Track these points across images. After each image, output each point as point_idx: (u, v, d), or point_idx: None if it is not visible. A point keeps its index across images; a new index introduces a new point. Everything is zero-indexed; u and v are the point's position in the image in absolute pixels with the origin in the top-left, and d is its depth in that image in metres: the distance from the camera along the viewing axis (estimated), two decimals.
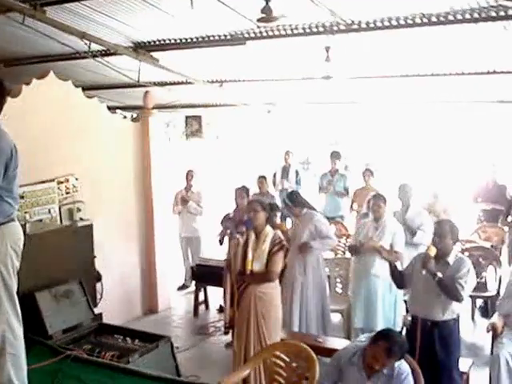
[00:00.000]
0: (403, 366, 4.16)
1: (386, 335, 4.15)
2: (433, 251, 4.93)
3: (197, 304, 8.79)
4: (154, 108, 8.94)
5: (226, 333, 7.53)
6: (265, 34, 6.89)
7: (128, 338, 5.43)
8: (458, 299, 4.85)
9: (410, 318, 6.67)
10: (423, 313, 5.03)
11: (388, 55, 7.68)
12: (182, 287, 10.04)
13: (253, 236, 5.43)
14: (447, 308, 4.91)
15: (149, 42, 7.43)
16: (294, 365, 4.61)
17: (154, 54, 7.70)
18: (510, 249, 8.56)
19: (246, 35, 6.96)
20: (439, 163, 13.41)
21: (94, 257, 6.47)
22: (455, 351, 5.03)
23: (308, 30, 6.63)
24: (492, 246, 8.80)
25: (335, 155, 10.93)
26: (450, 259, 4.98)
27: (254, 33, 6.89)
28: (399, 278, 5.38)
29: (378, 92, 10.39)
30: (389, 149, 14.73)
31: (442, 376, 4.93)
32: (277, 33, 6.80)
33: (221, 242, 7.87)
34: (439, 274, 4.83)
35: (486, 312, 7.89)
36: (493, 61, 7.75)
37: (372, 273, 6.53)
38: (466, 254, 7.16)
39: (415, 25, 6.13)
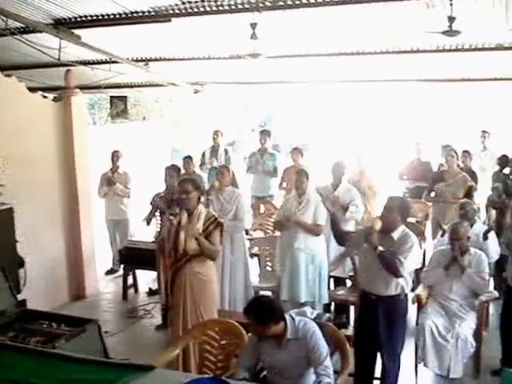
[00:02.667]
0: (306, 326, 4.19)
1: (246, 309, 4.18)
2: (378, 224, 4.90)
3: (126, 287, 8.64)
4: (76, 88, 8.65)
5: (163, 315, 7.41)
6: (190, 11, 6.78)
7: (54, 324, 5.25)
8: (396, 275, 4.81)
9: (339, 293, 6.86)
10: (368, 286, 5.06)
11: (316, 33, 7.69)
12: (111, 271, 9.85)
13: (185, 216, 5.34)
14: (390, 283, 4.90)
15: (70, 19, 7.19)
16: (223, 342, 4.60)
17: (76, 32, 7.47)
18: (433, 223, 8.77)
19: (171, 12, 6.83)
20: (367, 141, 13.64)
21: (16, 241, 6.24)
22: (399, 326, 5.03)
23: (234, 7, 6.56)
24: (417, 222, 9.00)
25: (265, 133, 10.90)
26: (395, 235, 4.94)
27: (179, 9, 6.77)
28: (339, 233, 5.36)
29: (308, 71, 10.41)
30: (321, 128, 14.88)
31: (383, 349, 5.01)
32: (202, 9, 6.70)
33: (148, 223, 7.73)
34: (380, 248, 4.79)
35: (412, 285, 8.04)
36: (416, 39, 7.87)
37: (295, 246, 6.61)
38: None
39: (341, 2, 6.15)
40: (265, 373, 4.39)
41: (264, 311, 4.09)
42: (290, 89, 12.32)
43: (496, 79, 10.23)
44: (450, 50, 8.25)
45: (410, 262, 4.85)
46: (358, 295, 5.39)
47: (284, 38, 7.82)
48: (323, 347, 4.11)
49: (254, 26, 6.71)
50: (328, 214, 6.33)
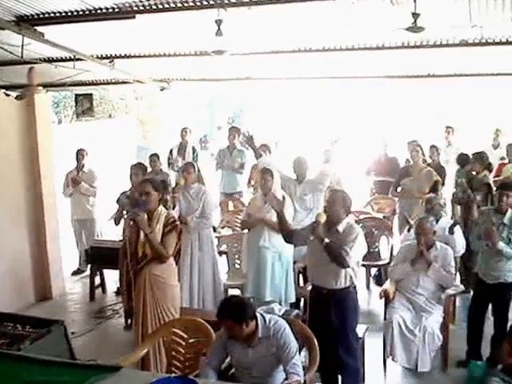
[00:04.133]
0: (277, 324, 4.18)
1: (219, 313, 4.13)
2: (323, 217, 4.99)
3: (93, 288, 8.53)
4: (40, 86, 8.51)
5: (126, 317, 7.35)
6: (154, 8, 6.71)
7: (18, 325, 5.15)
8: (343, 265, 4.89)
9: (309, 288, 6.86)
10: (318, 280, 5.12)
11: (282, 30, 7.67)
12: (77, 272, 9.71)
13: (145, 217, 5.26)
14: (339, 275, 4.97)
15: (33, 16, 7.04)
16: (191, 341, 4.58)
17: (39, 29, 7.32)
18: (400, 219, 8.84)
19: (135, 8, 6.75)
20: (335, 137, 13.68)
21: None
22: (351, 319, 5.10)
23: (199, 4, 6.51)
24: (384, 217, 9.08)
25: (234, 130, 10.88)
26: (341, 227, 5.04)
27: (144, 6, 6.69)
28: (286, 231, 5.35)
29: (276, 68, 10.40)
30: (290, 124, 14.92)
31: (338, 343, 5.02)
32: (166, 6, 6.64)
33: (116, 222, 7.66)
34: (326, 240, 4.87)
35: (380, 280, 8.12)
36: (382, 36, 7.92)
37: (261, 244, 6.61)
38: (360, 225, 7.32)
39: None
40: (233, 370, 4.38)
41: (239, 311, 4.07)
42: (259, 85, 12.30)
43: (461, 75, 10.35)
44: (414, 47, 8.30)
45: (355, 252, 4.96)
46: (309, 290, 5.42)
47: (249, 34, 7.79)
48: (293, 345, 4.11)
49: (219, 22, 6.68)
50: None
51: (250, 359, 4.16)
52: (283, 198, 5.81)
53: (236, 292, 7.42)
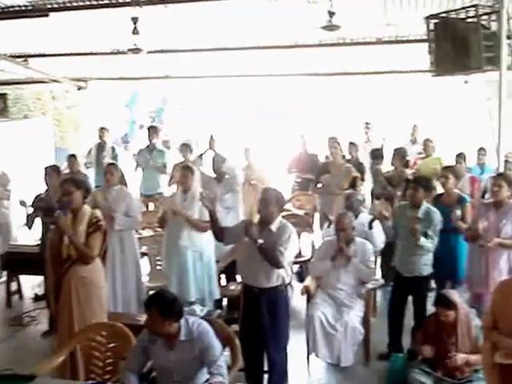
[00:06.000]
0: (200, 327, 4.10)
1: (148, 301, 4.10)
2: (255, 218, 4.96)
3: (9, 294, 8.22)
4: None
5: (51, 321, 7.10)
6: (69, 5, 6.58)
7: None
8: (278, 266, 4.85)
9: (231, 288, 6.85)
10: (249, 279, 5.07)
11: (198, 28, 7.65)
12: None
13: (69, 218, 5.10)
14: (271, 274, 4.92)
15: None
16: (110, 346, 4.48)
17: None
18: (320, 215, 8.92)
19: (49, 6, 6.59)
20: (257, 134, 13.77)
21: None
22: (282, 317, 5.06)
23: (114, 1, 6.42)
24: (306, 214, 9.16)
25: (153, 130, 10.74)
26: (274, 226, 4.97)
27: (58, 3, 6.55)
28: (218, 230, 5.30)
29: (193, 65, 10.35)
30: (211, 123, 14.86)
31: (269, 342, 5.01)
32: (81, 3, 6.51)
33: (29, 226, 7.39)
34: (260, 241, 4.80)
35: (302, 277, 8.18)
36: (299, 34, 8.00)
37: (181, 244, 6.49)
38: None
39: None
40: (154, 374, 4.30)
41: (169, 304, 3.98)
42: (179, 84, 12.23)
43: (377, 73, 10.59)
44: (331, 45, 8.44)
45: (289, 252, 4.93)
46: (241, 289, 5.39)
47: (166, 32, 7.74)
48: (216, 347, 4.07)
49: (135, 20, 6.60)
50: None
51: (172, 363, 4.08)
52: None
53: None
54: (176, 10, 6.67)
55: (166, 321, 3.96)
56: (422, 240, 5.68)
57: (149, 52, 7.39)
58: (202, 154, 10.18)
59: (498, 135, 6.95)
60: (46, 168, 7.47)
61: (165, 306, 3.97)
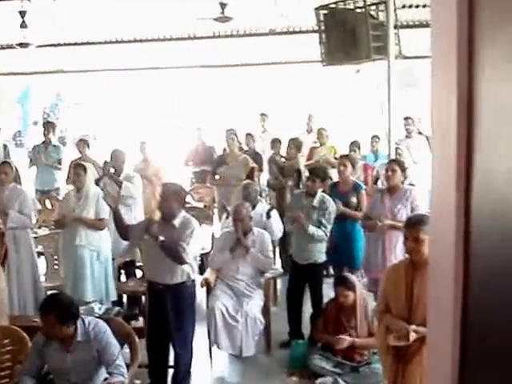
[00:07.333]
0: (97, 327, 4.04)
1: (43, 307, 3.98)
2: (157, 214, 4.88)
3: None
4: None
5: None
6: None
7: None
8: (181, 262, 4.82)
9: (130, 284, 6.76)
10: (153, 276, 5.02)
11: (90, 20, 7.49)
12: None
13: None
14: (175, 271, 4.88)
15: None
16: (6, 349, 4.34)
17: None
18: (219, 207, 8.94)
19: None
20: (153, 128, 13.63)
21: None
22: (188, 313, 5.05)
23: None
24: (205, 206, 9.16)
25: (49, 125, 10.42)
26: (176, 222, 4.92)
27: None
28: (122, 228, 5.21)
29: (87, 59, 10.12)
30: (108, 117, 14.60)
31: (175, 337, 4.99)
32: None
33: None
34: (161, 238, 4.76)
35: (202, 269, 8.17)
36: (192, 25, 7.97)
37: (77, 243, 6.35)
38: None
39: None
40: (51, 376, 4.20)
41: (65, 309, 3.88)
42: (73, 78, 11.92)
43: (271, 63, 10.71)
44: (225, 36, 8.45)
45: (193, 247, 4.92)
46: (146, 286, 5.35)
47: (56, 26, 7.51)
48: (115, 346, 4.01)
49: (23, 14, 6.39)
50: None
51: (69, 364, 3.99)
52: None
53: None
54: (65, 3, 6.50)
55: (63, 326, 3.87)
56: (311, 228, 5.81)
57: (38, 46, 7.17)
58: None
59: (388, 122, 7.16)
60: None
61: (61, 311, 3.87)
